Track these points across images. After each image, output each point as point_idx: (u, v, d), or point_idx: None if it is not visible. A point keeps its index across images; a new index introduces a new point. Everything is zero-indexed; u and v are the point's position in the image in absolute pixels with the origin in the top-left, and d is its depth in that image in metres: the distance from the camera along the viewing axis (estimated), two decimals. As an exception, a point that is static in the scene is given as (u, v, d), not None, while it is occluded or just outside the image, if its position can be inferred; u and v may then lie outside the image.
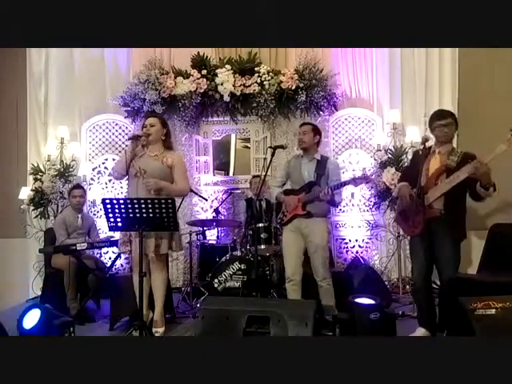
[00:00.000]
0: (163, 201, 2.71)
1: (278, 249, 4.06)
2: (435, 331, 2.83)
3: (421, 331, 2.95)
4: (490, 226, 3.83)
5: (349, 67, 5.17)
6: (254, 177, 4.60)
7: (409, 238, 4.49)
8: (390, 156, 4.58)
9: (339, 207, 4.80)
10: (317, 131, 3.31)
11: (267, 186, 4.67)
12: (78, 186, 4.34)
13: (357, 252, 4.95)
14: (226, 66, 4.83)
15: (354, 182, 3.07)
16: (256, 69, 4.83)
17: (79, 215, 4.20)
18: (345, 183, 3.08)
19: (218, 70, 4.83)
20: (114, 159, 5.01)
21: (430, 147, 2.98)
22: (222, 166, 5.29)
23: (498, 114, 4.24)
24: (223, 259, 3.93)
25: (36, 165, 4.87)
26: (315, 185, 3.14)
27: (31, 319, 2.73)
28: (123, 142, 5.13)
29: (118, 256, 4.16)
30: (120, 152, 3.22)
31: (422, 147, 2.96)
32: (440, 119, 2.90)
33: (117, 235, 3.88)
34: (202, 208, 5.07)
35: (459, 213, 2.85)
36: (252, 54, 4.92)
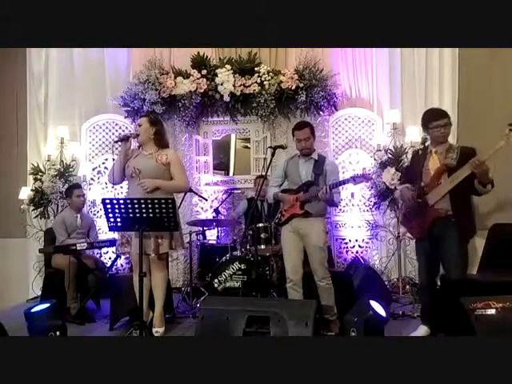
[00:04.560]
0: (163, 200, 2.71)
1: (278, 249, 4.06)
2: (437, 330, 2.83)
3: (423, 329, 2.95)
4: (490, 226, 3.84)
5: (349, 67, 5.17)
6: (258, 177, 4.59)
7: (409, 237, 4.57)
8: (390, 156, 4.58)
9: (339, 207, 4.79)
10: (313, 131, 3.28)
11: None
12: (79, 186, 4.33)
13: (357, 252, 4.95)
14: (226, 66, 4.83)
15: (354, 180, 3.04)
16: (256, 69, 4.83)
17: (78, 215, 4.19)
18: (344, 182, 3.07)
19: (218, 70, 4.82)
20: (113, 159, 4.98)
21: (427, 147, 2.97)
22: (221, 165, 5.29)
23: (497, 113, 4.24)
24: (223, 259, 3.93)
25: (36, 165, 4.87)
26: (313, 184, 3.12)
27: (37, 308, 2.83)
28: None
29: (118, 256, 4.16)
30: (120, 152, 3.20)
31: (421, 147, 2.96)
32: (437, 119, 2.86)
33: (116, 235, 3.88)
34: (202, 208, 5.07)
35: (467, 211, 2.81)
36: (252, 54, 4.91)
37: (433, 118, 2.89)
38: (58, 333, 2.72)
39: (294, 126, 3.32)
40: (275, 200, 3.34)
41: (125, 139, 3.15)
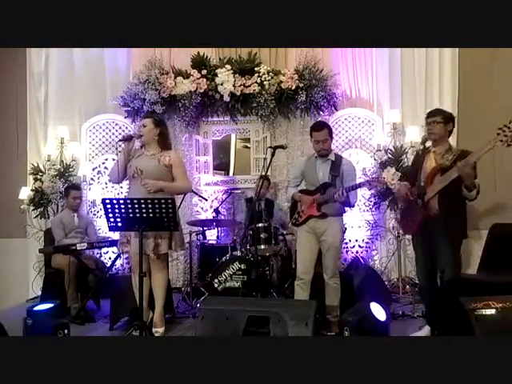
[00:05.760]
0: (163, 200, 2.71)
1: (278, 249, 4.06)
2: (440, 330, 2.83)
3: (427, 329, 2.96)
4: (490, 226, 3.84)
5: (349, 67, 5.17)
6: (261, 178, 4.57)
7: (408, 237, 4.58)
8: (389, 156, 4.58)
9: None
10: (331, 132, 3.25)
11: (269, 187, 4.65)
12: (76, 187, 4.33)
13: (357, 252, 4.95)
14: (226, 66, 4.83)
15: (369, 184, 3.08)
16: (256, 69, 4.82)
17: (75, 214, 4.21)
18: (359, 185, 3.08)
19: (218, 70, 4.82)
20: (113, 159, 5.00)
21: (428, 147, 3.01)
22: (221, 165, 5.29)
23: (497, 114, 4.23)
24: (223, 259, 3.92)
25: (36, 165, 4.88)
26: (330, 186, 3.13)
27: (41, 307, 2.84)
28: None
29: (118, 256, 4.16)
30: (120, 152, 3.20)
31: (421, 147, 2.97)
32: (426, 118, 2.96)
33: (115, 235, 3.89)
34: (202, 208, 5.07)
35: (456, 212, 2.81)
36: (252, 54, 4.91)
37: (425, 117, 2.99)
38: (66, 331, 2.73)
39: (311, 126, 3.28)
40: (293, 200, 3.34)
41: (128, 139, 3.16)
